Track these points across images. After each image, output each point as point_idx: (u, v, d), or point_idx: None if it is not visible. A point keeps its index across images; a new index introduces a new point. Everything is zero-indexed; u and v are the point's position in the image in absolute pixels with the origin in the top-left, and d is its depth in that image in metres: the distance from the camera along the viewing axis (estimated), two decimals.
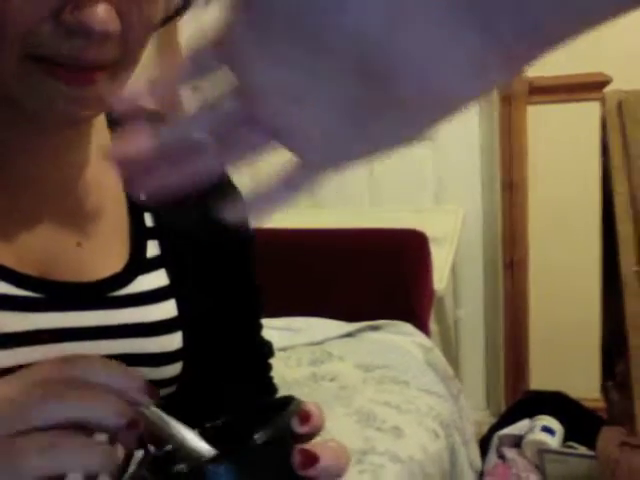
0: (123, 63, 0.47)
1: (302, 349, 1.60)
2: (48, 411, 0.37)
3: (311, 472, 0.39)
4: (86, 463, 0.37)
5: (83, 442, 0.38)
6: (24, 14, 0.41)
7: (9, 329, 0.48)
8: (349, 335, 1.65)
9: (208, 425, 0.43)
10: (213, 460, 0.38)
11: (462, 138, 2.25)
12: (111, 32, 0.43)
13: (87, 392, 0.39)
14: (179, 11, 0.50)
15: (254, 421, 0.41)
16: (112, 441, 0.40)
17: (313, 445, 0.41)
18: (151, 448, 0.63)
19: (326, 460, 0.40)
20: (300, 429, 0.40)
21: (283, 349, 1.57)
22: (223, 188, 0.66)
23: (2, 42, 0.42)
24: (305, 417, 0.40)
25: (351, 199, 2.36)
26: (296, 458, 0.39)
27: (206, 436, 0.40)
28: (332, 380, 1.48)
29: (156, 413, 0.40)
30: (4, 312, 0.48)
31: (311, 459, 0.39)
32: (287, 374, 1.49)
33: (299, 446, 0.40)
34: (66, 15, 0.42)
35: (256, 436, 0.37)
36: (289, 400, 0.41)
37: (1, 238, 0.50)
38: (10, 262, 0.50)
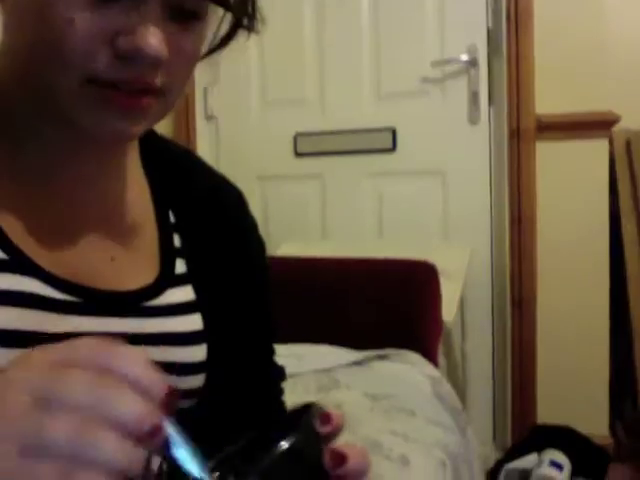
0: (170, 88, 0.51)
1: (309, 376, 1.59)
2: (65, 391, 0.34)
3: (341, 471, 0.41)
4: (115, 460, 0.33)
5: (114, 436, 0.33)
6: (83, 40, 0.46)
7: (48, 329, 0.50)
8: (357, 364, 1.65)
9: (230, 447, 0.40)
10: (241, 474, 0.37)
11: (472, 173, 2.27)
12: (161, 57, 0.47)
13: (112, 383, 0.35)
14: (222, 43, 0.56)
15: (278, 432, 0.40)
16: None
17: (340, 445, 0.42)
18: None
19: (354, 459, 0.41)
20: (323, 429, 0.41)
21: (290, 376, 1.56)
22: (242, 217, 0.69)
23: (62, 67, 0.47)
24: (326, 418, 0.42)
25: (359, 234, 2.38)
26: (326, 458, 0.40)
27: (230, 454, 0.39)
28: (338, 408, 1.47)
29: (173, 427, 0.35)
30: (44, 312, 0.51)
31: (340, 459, 0.41)
32: (293, 401, 1.48)
33: (328, 447, 0.41)
34: (121, 42, 0.47)
35: (282, 442, 0.38)
36: (308, 406, 0.42)
37: (44, 245, 0.54)
38: (51, 267, 0.53)
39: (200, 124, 2.50)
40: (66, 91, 0.48)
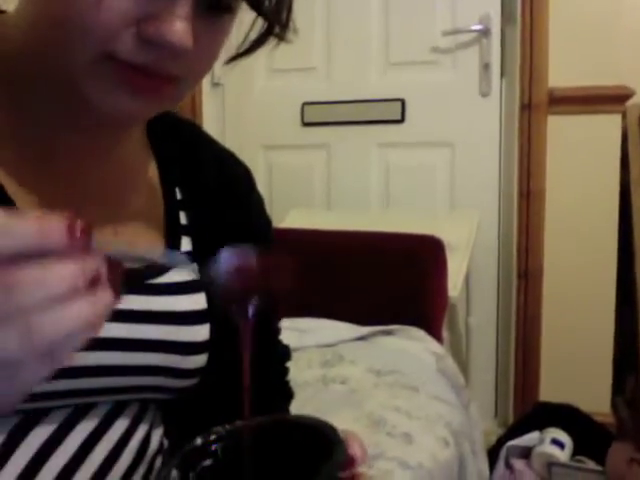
0: (187, 78, 0.50)
1: (313, 351, 1.59)
2: None
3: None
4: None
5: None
6: (110, 19, 0.44)
7: None
8: (361, 339, 1.65)
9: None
10: None
11: (481, 146, 2.24)
12: (185, 48, 0.46)
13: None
14: (250, 49, 0.54)
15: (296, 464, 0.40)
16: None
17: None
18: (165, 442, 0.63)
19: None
20: (343, 475, 0.43)
21: (294, 350, 1.56)
22: (248, 193, 0.68)
23: (83, 41, 0.45)
24: (350, 464, 0.43)
25: (365, 205, 2.36)
26: None
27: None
28: (342, 383, 1.47)
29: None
30: None
31: None
32: (297, 375, 1.47)
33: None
34: (147, 26, 0.45)
35: None
36: (329, 433, 0.41)
37: None
38: None
39: (206, 92, 2.47)
40: (81, 66, 0.46)
